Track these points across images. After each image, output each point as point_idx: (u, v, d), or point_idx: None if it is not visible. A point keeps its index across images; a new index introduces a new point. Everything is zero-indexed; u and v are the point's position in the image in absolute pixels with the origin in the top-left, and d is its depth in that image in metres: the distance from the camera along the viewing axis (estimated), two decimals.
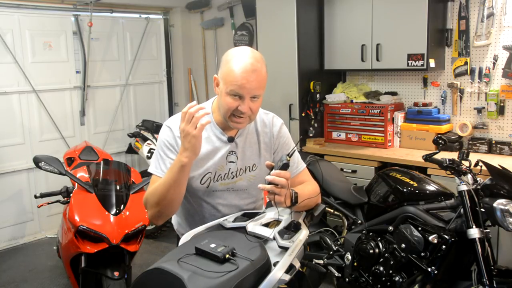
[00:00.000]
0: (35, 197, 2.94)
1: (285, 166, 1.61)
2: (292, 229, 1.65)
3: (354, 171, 3.75)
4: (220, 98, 1.77)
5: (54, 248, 3.63)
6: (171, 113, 5.66)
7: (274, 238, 1.58)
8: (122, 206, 2.74)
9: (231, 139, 1.86)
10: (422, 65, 3.59)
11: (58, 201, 3.01)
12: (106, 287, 2.56)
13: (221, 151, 1.85)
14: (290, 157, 1.63)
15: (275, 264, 1.48)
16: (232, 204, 1.88)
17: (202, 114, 1.56)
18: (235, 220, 1.72)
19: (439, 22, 3.67)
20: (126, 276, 2.63)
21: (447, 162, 2.44)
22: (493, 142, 3.52)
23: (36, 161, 2.91)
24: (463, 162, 2.48)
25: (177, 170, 1.64)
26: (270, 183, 1.59)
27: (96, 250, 2.57)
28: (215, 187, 1.86)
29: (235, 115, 1.73)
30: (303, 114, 4.09)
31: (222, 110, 1.77)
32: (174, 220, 2.01)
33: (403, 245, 2.49)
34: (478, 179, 2.44)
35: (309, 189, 1.87)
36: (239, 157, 1.87)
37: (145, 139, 4.60)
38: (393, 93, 4.07)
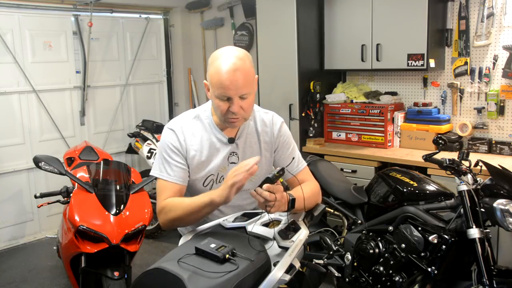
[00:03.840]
0: (35, 197, 2.94)
1: (267, 180, 1.58)
2: (292, 229, 1.65)
3: (354, 171, 3.74)
4: (212, 102, 1.78)
5: (54, 248, 3.62)
6: (171, 113, 5.66)
7: (274, 238, 1.58)
8: (122, 206, 2.74)
9: (231, 140, 1.86)
10: (422, 65, 3.59)
11: (58, 201, 3.00)
12: (106, 287, 2.56)
13: (222, 153, 1.85)
14: (278, 173, 1.60)
15: (275, 264, 1.48)
16: (234, 204, 1.88)
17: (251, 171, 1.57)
18: (235, 220, 1.72)
19: (439, 22, 3.67)
20: (126, 276, 2.63)
21: (447, 162, 2.43)
22: (493, 142, 3.52)
23: (36, 161, 2.90)
24: (463, 162, 2.48)
25: (205, 204, 1.64)
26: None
27: (96, 250, 2.57)
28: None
29: (229, 116, 1.73)
30: (303, 114, 4.09)
31: (217, 113, 1.78)
32: None
33: (403, 245, 2.49)
34: (478, 179, 2.44)
35: (307, 189, 1.86)
36: (240, 158, 1.87)
37: (145, 139, 4.60)
38: (393, 93, 4.07)
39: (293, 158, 1.96)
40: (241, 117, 1.75)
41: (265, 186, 1.57)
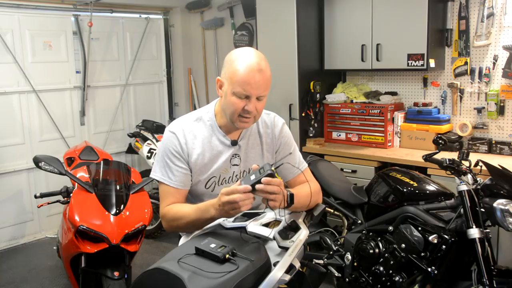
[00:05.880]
0: (35, 197, 2.94)
1: (270, 176, 1.56)
2: (292, 229, 1.65)
3: (354, 171, 3.74)
4: (225, 99, 1.75)
5: (54, 248, 3.63)
6: (171, 113, 5.66)
7: (274, 238, 1.58)
8: (122, 206, 2.74)
9: (234, 143, 1.85)
10: (422, 65, 3.59)
11: (58, 201, 3.01)
12: (106, 287, 2.56)
13: (225, 155, 1.84)
14: (276, 168, 1.58)
15: (275, 264, 1.48)
16: None
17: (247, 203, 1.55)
18: (235, 220, 1.72)
19: (439, 22, 3.67)
20: (126, 276, 2.63)
21: (447, 162, 2.43)
22: (493, 142, 3.52)
23: (36, 161, 2.90)
24: (463, 162, 2.48)
25: (206, 219, 1.67)
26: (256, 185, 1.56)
27: (96, 250, 2.57)
28: (219, 190, 1.84)
29: (242, 115, 1.73)
30: (303, 114, 4.09)
31: (228, 111, 1.75)
32: None
33: (403, 245, 2.49)
34: (478, 179, 2.44)
35: (307, 189, 1.86)
36: (242, 159, 1.87)
37: (145, 139, 4.60)
38: (393, 93, 4.07)
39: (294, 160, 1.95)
40: (253, 117, 1.75)
41: (265, 179, 1.53)
